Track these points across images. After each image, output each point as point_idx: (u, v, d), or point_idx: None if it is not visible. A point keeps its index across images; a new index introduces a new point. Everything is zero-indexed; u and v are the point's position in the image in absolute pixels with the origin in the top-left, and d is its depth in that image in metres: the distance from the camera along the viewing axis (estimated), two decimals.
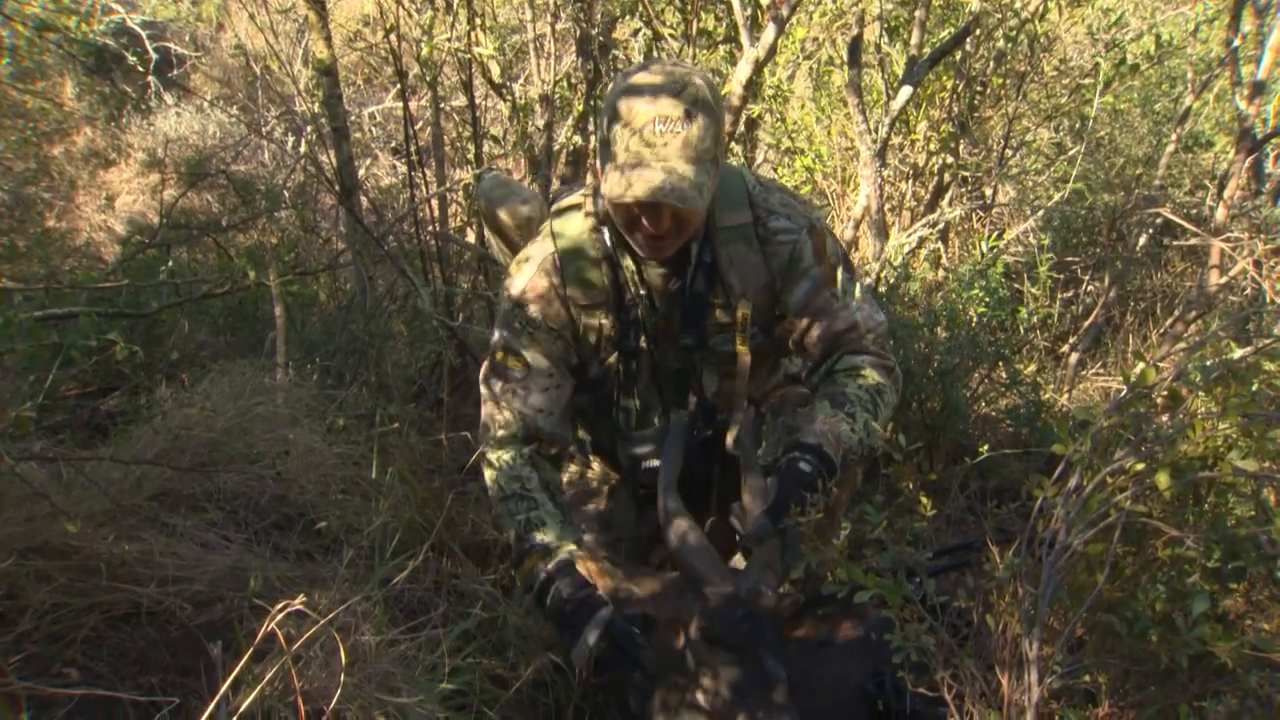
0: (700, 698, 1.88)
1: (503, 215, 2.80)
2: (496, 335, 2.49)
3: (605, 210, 2.30)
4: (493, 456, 2.43)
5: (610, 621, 2.08)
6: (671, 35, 4.92)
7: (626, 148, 2.11)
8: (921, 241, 5.26)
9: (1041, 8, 5.10)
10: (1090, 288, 5.99)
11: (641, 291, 2.43)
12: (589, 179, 2.48)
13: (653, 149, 2.08)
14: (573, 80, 5.09)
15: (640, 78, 2.13)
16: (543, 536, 2.29)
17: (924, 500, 1.90)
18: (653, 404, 2.60)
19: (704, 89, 2.12)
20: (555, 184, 4.53)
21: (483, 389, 2.51)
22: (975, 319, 3.95)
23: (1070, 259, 6.03)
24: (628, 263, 2.41)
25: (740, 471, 2.24)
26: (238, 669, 1.52)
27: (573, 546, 2.29)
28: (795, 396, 2.69)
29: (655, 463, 2.53)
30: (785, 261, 2.39)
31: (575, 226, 2.43)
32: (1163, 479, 1.64)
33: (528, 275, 2.44)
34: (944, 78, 5.52)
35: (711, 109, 2.13)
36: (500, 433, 2.44)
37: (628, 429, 2.64)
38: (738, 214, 2.38)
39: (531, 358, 2.43)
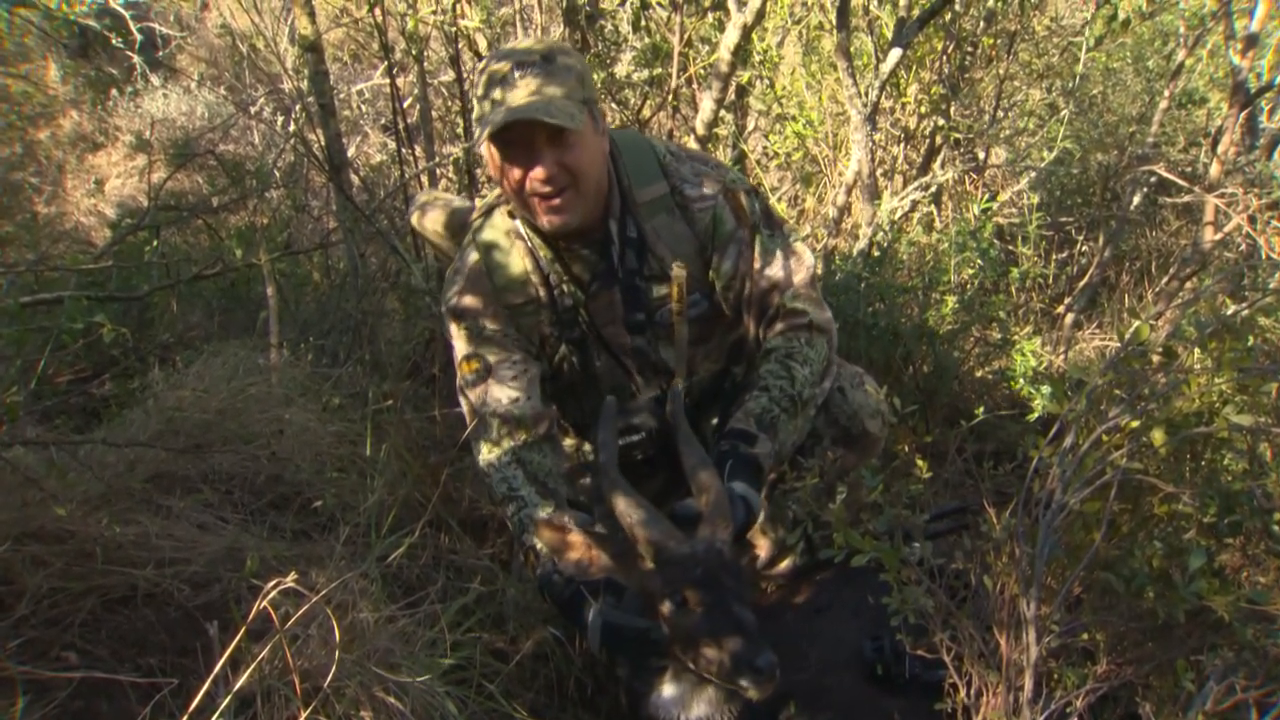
0: (681, 657, 1.89)
1: (425, 224, 2.85)
2: (455, 347, 2.51)
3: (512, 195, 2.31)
4: (482, 462, 2.45)
5: (601, 609, 2.07)
6: (659, 3, 4.87)
7: (489, 98, 2.16)
8: (914, 205, 5.23)
9: None
10: (1085, 248, 5.97)
11: (565, 278, 2.43)
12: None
13: (513, 87, 2.13)
14: None
15: (499, 50, 2.22)
16: (530, 536, 2.30)
17: (920, 463, 1.89)
18: (622, 385, 2.59)
19: (565, 48, 2.19)
20: None
21: (460, 400, 2.52)
22: (968, 281, 3.93)
23: (1064, 219, 6.00)
24: (547, 253, 2.41)
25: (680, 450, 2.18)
26: (231, 647, 1.52)
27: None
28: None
29: (634, 438, 2.53)
30: (709, 227, 2.41)
31: (495, 228, 2.44)
32: (1158, 436, 1.64)
33: (458, 289, 2.46)
34: (934, 39, 5.46)
35: (572, 64, 2.18)
36: (485, 436, 2.44)
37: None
38: (654, 187, 2.39)
39: (489, 354, 2.44)
